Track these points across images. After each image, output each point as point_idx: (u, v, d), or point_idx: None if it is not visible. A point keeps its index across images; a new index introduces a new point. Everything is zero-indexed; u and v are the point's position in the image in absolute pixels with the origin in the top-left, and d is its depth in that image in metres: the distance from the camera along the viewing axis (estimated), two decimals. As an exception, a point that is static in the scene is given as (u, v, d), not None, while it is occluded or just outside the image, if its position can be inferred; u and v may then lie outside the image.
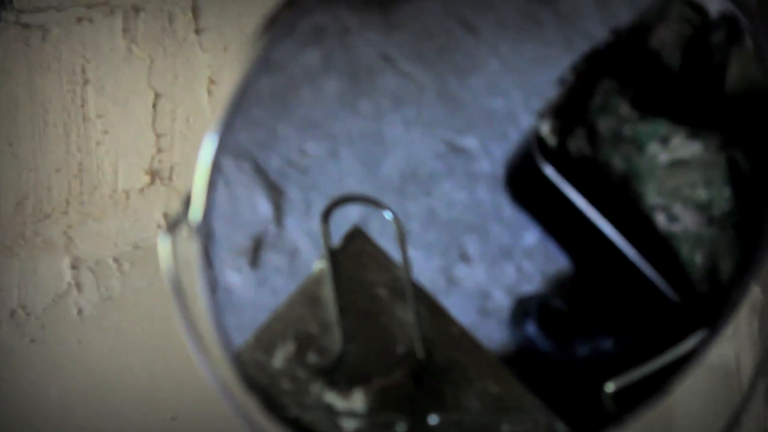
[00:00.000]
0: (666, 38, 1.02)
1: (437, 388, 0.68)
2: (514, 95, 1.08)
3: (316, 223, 0.80)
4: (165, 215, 0.90)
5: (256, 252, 0.79)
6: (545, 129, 0.95)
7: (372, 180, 0.87)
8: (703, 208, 0.92)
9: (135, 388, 0.93)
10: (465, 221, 0.95)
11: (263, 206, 0.81)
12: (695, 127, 0.93)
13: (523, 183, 0.96)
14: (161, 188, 0.88)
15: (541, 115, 0.97)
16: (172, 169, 0.89)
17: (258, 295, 0.74)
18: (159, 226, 0.90)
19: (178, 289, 0.56)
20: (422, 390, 0.67)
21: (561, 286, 0.92)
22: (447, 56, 1.02)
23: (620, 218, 0.93)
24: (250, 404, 0.60)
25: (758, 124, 0.98)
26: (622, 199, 0.95)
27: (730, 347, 1.03)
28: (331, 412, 0.65)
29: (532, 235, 0.94)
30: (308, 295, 0.68)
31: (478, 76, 1.05)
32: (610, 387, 0.76)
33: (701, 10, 1.03)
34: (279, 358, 0.65)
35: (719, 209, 0.92)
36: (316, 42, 0.86)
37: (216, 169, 0.57)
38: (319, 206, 0.82)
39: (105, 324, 0.91)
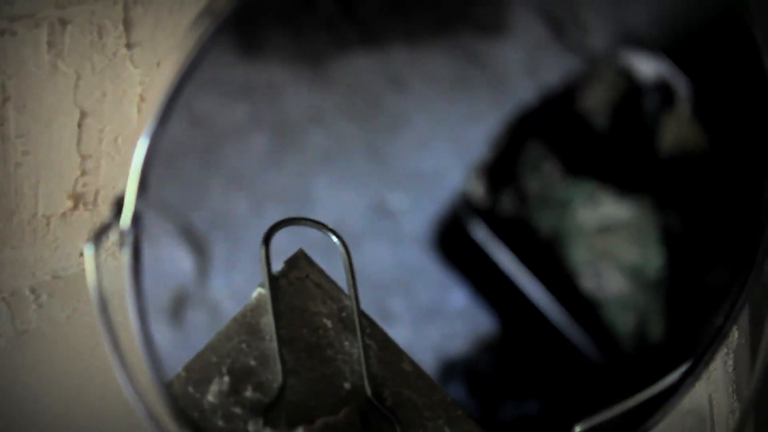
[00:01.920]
0: (594, 101, 1.06)
1: (387, 429, 0.64)
2: (444, 154, 1.11)
3: (240, 280, 0.82)
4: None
5: (177, 309, 0.81)
6: (475, 188, 0.98)
7: (297, 238, 0.89)
8: (632, 271, 0.95)
9: (52, 430, 0.91)
10: (391, 281, 0.97)
11: (186, 263, 0.83)
12: (625, 190, 0.96)
13: (451, 243, 0.98)
14: (85, 214, 0.86)
15: (471, 175, 1.00)
16: (97, 193, 0.86)
17: (178, 353, 0.75)
18: (81, 255, 0.87)
19: (104, 305, 0.53)
20: (370, 431, 0.64)
21: (488, 347, 0.94)
22: (376, 113, 1.05)
23: (548, 280, 0.96)
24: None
25: (692, 188, 1.02)
26: (550, 260, 0.98)
27: (703, 390, 1.03)
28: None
29: (459, 296, 0.96)
30: (246, 325, 0.64)
31: (407, 133, 1.09)
32: (578, 428, 0.72)
33: (629, 75, 1.08)
34: (212, 393, 0.61)
35: (650, 273, 0.94)
36: (244, 96, 0.89)
37: (149, 170, 0.54)
38: (244, 263, 0.84)
39: (20, 360, 0.88)
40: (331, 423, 0.61)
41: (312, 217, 0.87)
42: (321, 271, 0.70)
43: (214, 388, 0.62)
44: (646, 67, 1.08)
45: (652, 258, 0.94)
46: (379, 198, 1.03)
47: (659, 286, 0.95)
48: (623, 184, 0.97)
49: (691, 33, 1.22)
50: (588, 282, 0.96)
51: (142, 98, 0.85)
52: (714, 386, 1.03)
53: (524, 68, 1.18)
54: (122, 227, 0.54)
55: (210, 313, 0.81)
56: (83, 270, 0.87)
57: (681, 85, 1.06)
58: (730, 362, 1.03)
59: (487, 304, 0.95)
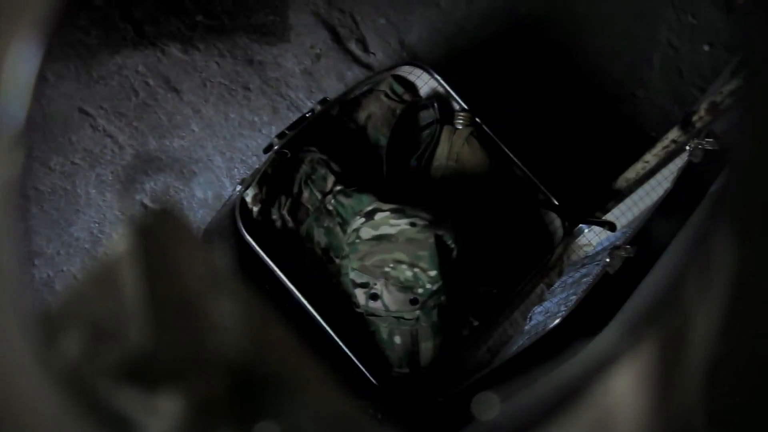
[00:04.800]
0: (374, 113, 1.12)
1: (260, 400, 0.59)
2: (216, 160, 1.14)
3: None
4: None
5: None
6: (247, 197, 1.01)
7: (60, 239, 0.90)
8: (406, 287, 0.99)
9: None
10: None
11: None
12: (401, 205, 1.01)
13: (223, 251, 1.00)
14: None
15: (244, 183, 1.02)
16: None
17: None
18: None
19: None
20: (242, 401, 0.59)
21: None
22: (148, 116, 1.07)
23: (321, 294, 1.00)
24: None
25: (466, 205, 1.09)
26: (322, 273, 1.03)
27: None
28: (129, 420, 0.56)
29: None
30: (103, 281, 0.58)
31: (179, 138, 1.11)
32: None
33: (411, 87, 1.14)
34: (69, 353, 0.56)
35: (423, 289, 0.99)
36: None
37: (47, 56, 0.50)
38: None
39: None
40: (200, 391, 0.58)
41: (77, 219, 0.88)
42: (187, 226, 0.64)
43: (71, 347, 0.56)
44: (425, 83, 1.13)
45: (424, 275, 0.99)
46: (148, 203, 1.05)
47: (429, 304, 1.00)
48: (398, 200, 1.02)
49: (469, 53, 1.29)
50: (361, 297, 1.00)
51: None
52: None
53: (303, 77, 1.23)
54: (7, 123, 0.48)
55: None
56: None
57: (457, 104, 1.11)
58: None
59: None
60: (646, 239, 0.93)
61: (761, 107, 0.50)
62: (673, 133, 1.07)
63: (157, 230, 0.60)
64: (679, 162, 1.05)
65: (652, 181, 1.10)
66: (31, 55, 0.50)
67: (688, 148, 0.97)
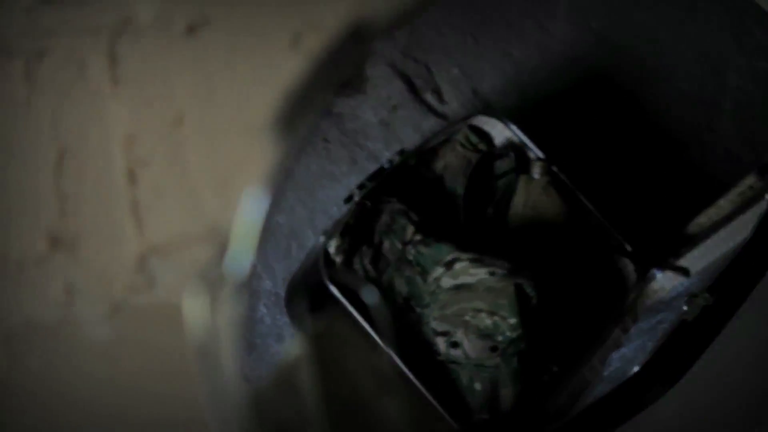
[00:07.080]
0: (450, 163, 1.15)
1: None
2: (298, 211, 1.17)
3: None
4: (67, 289, 0.81)
5: None
6: (330, 248, 1.03)
7: None
8: (486, 335, 1.02)
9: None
10: (244, 339, 1.01)
11: None
12: (480, 253, 1.03)
13: (306, 301, 1.03)
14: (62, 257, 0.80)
15: (326, 234, 1.05)
16: (77, 236, 0.81)
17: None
18: (57, 303, 0.80)
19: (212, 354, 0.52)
20: None
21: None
22: None
23: (402, 341, 1.02)
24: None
25: (544, 253, 1.11)
26: (404, 322, 1.05)
27: None
28: None
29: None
30: (283, 383, 0.63)
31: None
32: None
33: (486, 137, 1.17)
34: None
35: (503, 337, 1.02)
36: None
37: (269, 223, 0.52)
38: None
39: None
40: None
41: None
42: (354, 326, 0.76)
43: None
44: (499, 133, 1.16)
45: (504, 323, 1.02)
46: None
47: (509, 351, 1.02)
48: (477, 249, 1.04)
49: (542, 102, 1.31)
50: (442, 345, 1.03)
51: (127, 139, 0.81)
52: None
53: (381, 128, 1.25)
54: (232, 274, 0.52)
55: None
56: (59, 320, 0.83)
57: (532, 153, 1.14)
58: None
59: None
60: (725, 288, 0.94)
61: None
62: (750, 180, 1.08)
63: (329, 335, 0.67)
64: (757, 210, 1.05)
65: (729, 228, 1.10)
66: (259, 207, 0.53)
67: (767, 196, 0.98)
